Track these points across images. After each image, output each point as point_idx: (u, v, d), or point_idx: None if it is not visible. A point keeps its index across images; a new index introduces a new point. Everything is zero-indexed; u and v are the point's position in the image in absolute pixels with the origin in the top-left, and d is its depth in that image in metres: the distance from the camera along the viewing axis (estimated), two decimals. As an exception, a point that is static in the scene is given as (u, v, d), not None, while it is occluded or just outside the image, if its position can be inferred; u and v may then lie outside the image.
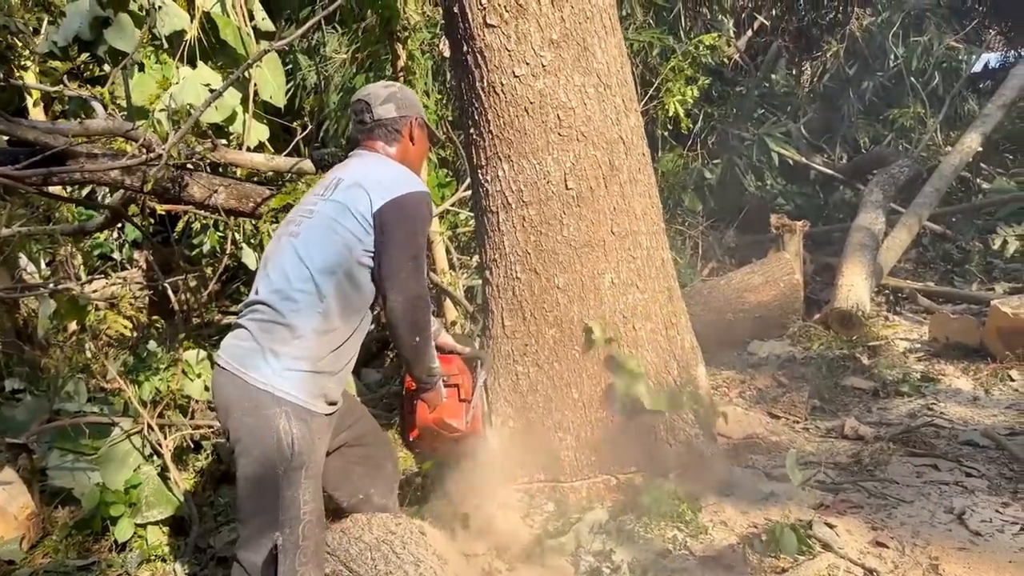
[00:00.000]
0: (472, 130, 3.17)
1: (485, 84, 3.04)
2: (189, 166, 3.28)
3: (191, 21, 4.41)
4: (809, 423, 4.12)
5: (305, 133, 5.30)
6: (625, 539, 2.97)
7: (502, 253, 3.18)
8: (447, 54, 6.81)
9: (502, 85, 3.00)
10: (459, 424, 2.72)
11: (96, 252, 6.46)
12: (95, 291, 5.03)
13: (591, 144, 3.06)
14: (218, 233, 5.18)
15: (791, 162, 9.39)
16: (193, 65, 4.78)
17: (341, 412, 2.44)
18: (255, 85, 4.71)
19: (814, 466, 3.49)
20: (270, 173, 3.62)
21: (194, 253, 5.59)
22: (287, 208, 3.34)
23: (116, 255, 7.22)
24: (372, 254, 2.34)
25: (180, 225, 4.75)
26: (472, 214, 4.23)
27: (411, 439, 2.77)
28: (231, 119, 4.74)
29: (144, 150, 2.84)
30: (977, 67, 12.07)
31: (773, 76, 10.51)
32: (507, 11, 2.94)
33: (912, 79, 9.75)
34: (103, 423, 4.15)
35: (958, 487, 3.26)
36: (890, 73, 10.37)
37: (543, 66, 2.97)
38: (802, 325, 5.69)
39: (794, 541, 2.76)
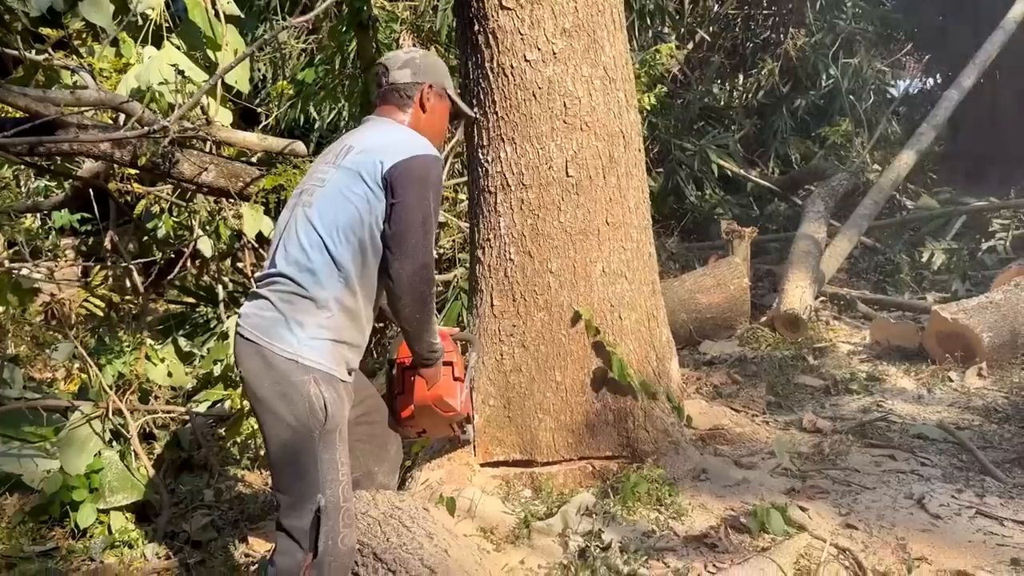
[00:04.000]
0: (476, 110, 3.20)
1: (495, 65, 3.08)
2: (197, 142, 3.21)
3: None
4: (768, 417, 4.29)
5: (266, 122, 5.26)
6: (610, 520, 3.05)
7: (497, 234, 3.23)
8: (407, 46, 6.84)
9: (512, 68, 3.05)
10: (455, 403, 2.70)
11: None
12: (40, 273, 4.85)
13: (593, 135, 3.14)
14: (172, 219, 5.08)
15: (730, 173, 9.71)
16: (157, 46, 4.67)
17: (354, 386, 2.42)
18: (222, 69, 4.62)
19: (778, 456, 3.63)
20: (261, 154, 3.57)
21: (145, 239, 5.47)
22: (277, 189, 3.31)
23: (40, 243, 6.98)
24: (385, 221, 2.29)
25: (140, 207, 4.64)
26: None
27: (403, 417, 2.72)
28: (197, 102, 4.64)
29: (139, 124, 2.77)
30: (893, 92, 12.73)
31: (714, 90, 10.84)
32: None
33: (844, 98, 10.19)
34: (60, 407, 4.03)
35: (915, 475, 3.46)
36: (822, 92, 10.84)
37: (554, 53, 3.04)
38: (749, 327, 5.90)
39: (780, 521, 2.88)
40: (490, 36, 3.10)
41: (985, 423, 4.07)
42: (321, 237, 2.25)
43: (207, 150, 3.53)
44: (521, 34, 3.05)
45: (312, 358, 2.19)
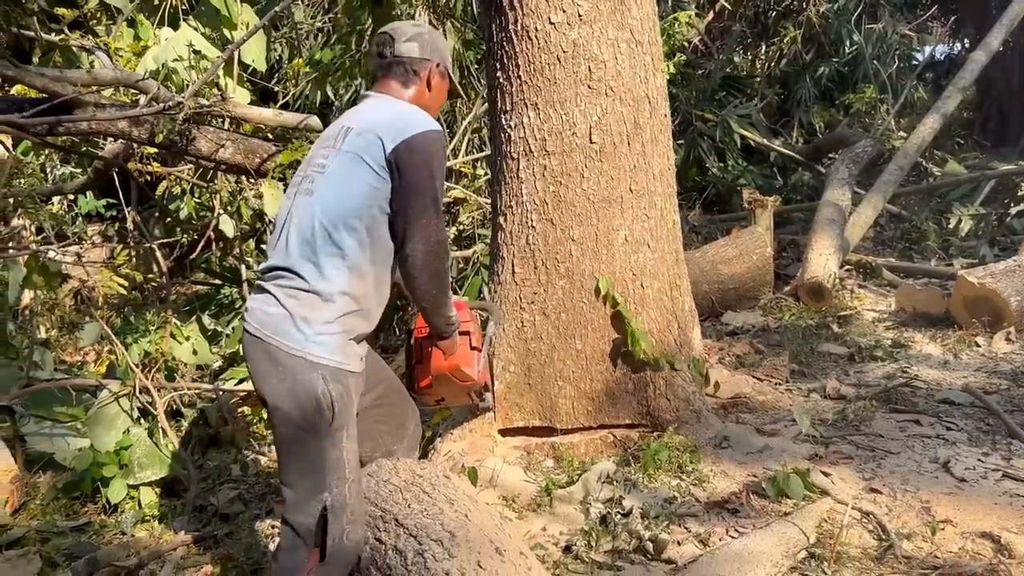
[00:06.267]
0: (499, 74, 3.18)
1: (519, 28, 3.05)
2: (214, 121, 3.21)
3: (176, -20, 4.33)
4: (791, 385, 4.27)
5: (284, 100, 5.27)
6: (631, 488, 3.06)
7: (519, 200, 3.22)
8: (423, 22, 6.81)
9: (536, 31, 3.01)
10: (472, 372, 2.71)
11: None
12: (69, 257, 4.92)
13: (619, 100, 3.11)
14: (195, 200, 5.11)
15: (752, 143, 9.61)
16: (174, 27, 4.70)
17: (367, 371, 2.41)
18: (239, 49, 4.64)
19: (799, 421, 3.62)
20: (277, 130, 3.58)
21: (168, 220, 5.52)
22: (294, 165, 3.31)
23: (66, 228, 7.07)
24: (391, 201, 2.23)
25: (161, 188, 4.68)
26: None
27: (421, 387, 2.74)
28: (214, 81, 4.67)
29: (155, 101, 2.79)
30: (919, 57, 12.51)
31: (735, 59, 10.71)
32: None
33: (868, 65, 10.02)
34: (89, 386, 4.10)
35: (940, 440, 3.43)
36: (845, 59, 10.67)
37: (579, 15, 3.00)
38: (772, 297, 5.86)
39: (800, 486, 2.88)
40: None
41: (1013, 387, 4.02)
42: (325, 226, 2.19)
43: (224, 127, 3.55)
44: None
45: (319, 354, 2.15)
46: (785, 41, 10.88)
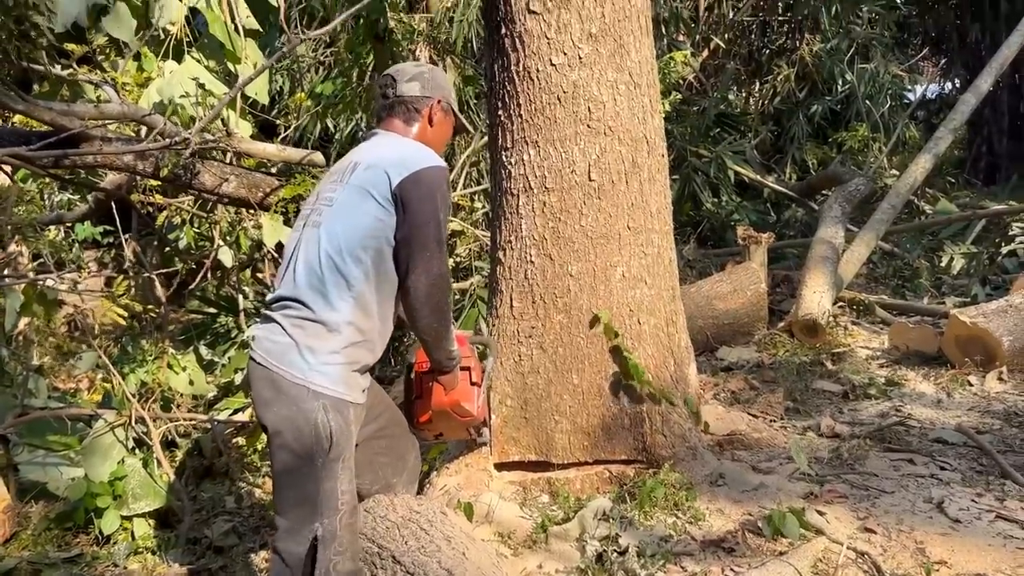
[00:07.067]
0: (500, 112, 3.25)
1: (520, 68, 3.13)
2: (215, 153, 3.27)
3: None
4: (786, 422, 4.28)
5: (286, 134, 5.33)
6: (627, 525, 3.06)
7: (518, 236, 3.27)
8: (423, 59, 6.91)
9: (538, 71, 3.09)
10: (472, 408, 2.73)
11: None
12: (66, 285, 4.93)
13: (617, 139, 3.17)
14: (194, 229, 5.15)
15: (746, 180, 9.72)
16: (178, 59, 4.75)
17: (369, 402, 2.44)
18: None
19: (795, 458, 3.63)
20: (280, 164, 3.63)
21: (167, 250, 5.54)
22: (296, 199, 3.36)
23: (64, 255, 7.09)
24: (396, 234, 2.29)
25: (161, 218, 4.71)
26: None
27: (421, 422, 2.76)
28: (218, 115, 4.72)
29: (160, 136, 2.83)
30: (911, 97, 12.71)
31: (730, 97, 10.85)
32: (551, 0, 3.05)
33: (861, 103, 10.17)
34: (84, 415, 4.10)
35: (934, 479, 3.44)
36: (838, 98, 10.83)
37: (580, 58, 3.08)
38: (767, 333, 5.89)
39: (796, 525, 2.89)
40: (517, 40, 3.14)
41: (1005, 427, 4.04)
42: (332, 257, 2.25)
43: (227, 161, 3.59)
44: (548, 38, 3.09)
45: (322, 384, 2.20)
46: (779, 79, 11.05)
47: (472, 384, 2.75)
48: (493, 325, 3.40)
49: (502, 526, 3.17)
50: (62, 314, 5.95)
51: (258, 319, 2.48)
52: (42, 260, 5.41)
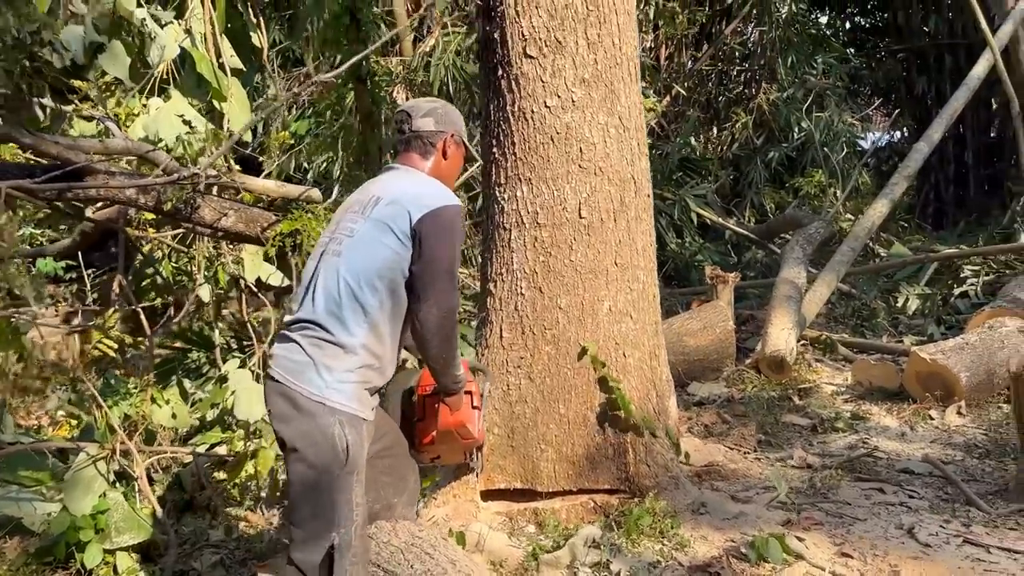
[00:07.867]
0: (495, 150, 3.40)
1: (516, 109, 3.28)
2: (220, 187, 3.34)
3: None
4: (759, 454, 4.42)
5: (270, 169, 5.40)
6: (616, 552, 3.15)
7: (509, 269, 3.39)
8: (400, 100, 7.06)
9: (532, 112, 3.25)
10: (474, 430, 2.82)
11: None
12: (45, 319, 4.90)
13: (607, 179, 3.33)
14: (172, 264, 5.16)
15: (708, 222, 10.00)
16: (159, 95, 4.81)
17: (375, 421, 2.52)
18: (228, 120, 4.78)
19: (774, 489, 3.76)
20: (278, 200, 3.71)
21: (143, 284, 5.53)
22: (293, 234, 3.44)
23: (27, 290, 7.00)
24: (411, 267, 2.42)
25: (145, 250, 4.73)
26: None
27: (424, 443, 2.82)
28: (202, 151, 4.78)
29: (163, 172, 2.90)
30: (863, 144, 13.24)
31: (691, 142, 11.19)
32: (547, 45, 3.23)
33: (817, 150, 10.57)
34: (56, 449, 4.06)
35: (903, 507, 3.60)
36: (794, 145, 11.24)
37: (573, 101, 3.25)
38: (735, 369, 6.06)
39: (779, 550, 3.00)
40: (513, 82, 3.30)
41: (967, 458, 4.23)
42: (350, 285, 2.37)
43: (224, 196, 3.66)
44: (543, 81, 3.26)
45: (338, 400, 2.31)
46: (737, 126, 11.43)
47: (473, 407, 2.85)
48: (483, 355, 3.49)
49: (493, 555, 3.23)
50: (35, 349, 5.87)
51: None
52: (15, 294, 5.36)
